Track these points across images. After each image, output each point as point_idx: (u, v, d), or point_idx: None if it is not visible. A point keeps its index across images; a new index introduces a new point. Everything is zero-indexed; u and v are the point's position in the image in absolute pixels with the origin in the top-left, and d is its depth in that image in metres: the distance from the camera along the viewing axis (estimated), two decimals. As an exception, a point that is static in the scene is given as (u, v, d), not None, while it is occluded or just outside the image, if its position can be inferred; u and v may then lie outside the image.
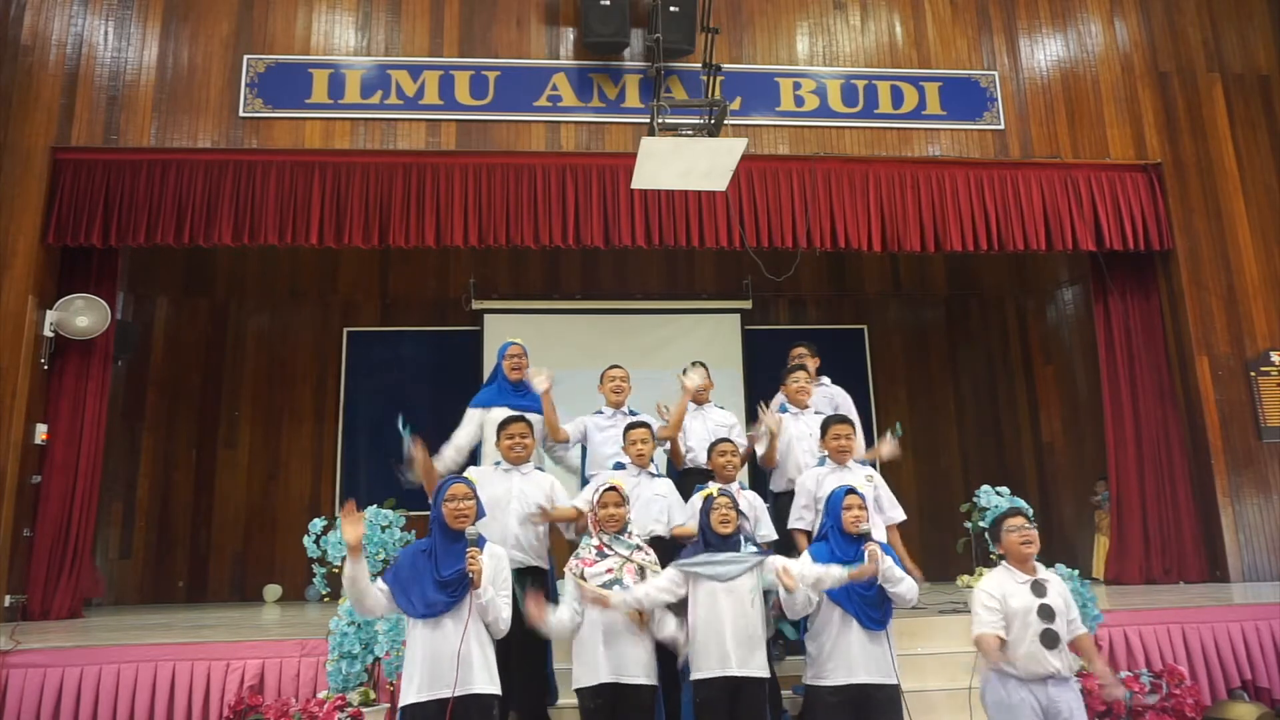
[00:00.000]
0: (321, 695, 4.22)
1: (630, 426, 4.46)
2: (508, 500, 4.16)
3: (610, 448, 4.61)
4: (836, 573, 3.59)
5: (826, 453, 4.47)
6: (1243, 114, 7.78)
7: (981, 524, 5.37)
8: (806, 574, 3.61)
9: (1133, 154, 7.59)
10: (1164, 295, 7.59)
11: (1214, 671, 4.94)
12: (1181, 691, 4.61)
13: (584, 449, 4.93)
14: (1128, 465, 7.33)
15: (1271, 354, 7.29)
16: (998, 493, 5.43)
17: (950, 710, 4.42)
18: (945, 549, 8.50)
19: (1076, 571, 4.77)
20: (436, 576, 3.24)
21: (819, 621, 3.72)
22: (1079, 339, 8.63)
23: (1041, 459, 9.12)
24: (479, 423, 4.79)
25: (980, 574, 5.42)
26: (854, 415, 4.94)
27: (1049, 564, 4.66)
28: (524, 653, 4.04)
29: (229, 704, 4.31)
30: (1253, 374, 7.23)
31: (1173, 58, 7.84)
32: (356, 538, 3.17)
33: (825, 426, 4.47)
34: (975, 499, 5.51)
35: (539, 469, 4.41)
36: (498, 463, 4.33)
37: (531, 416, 4.53)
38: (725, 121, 5.55)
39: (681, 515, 4.33)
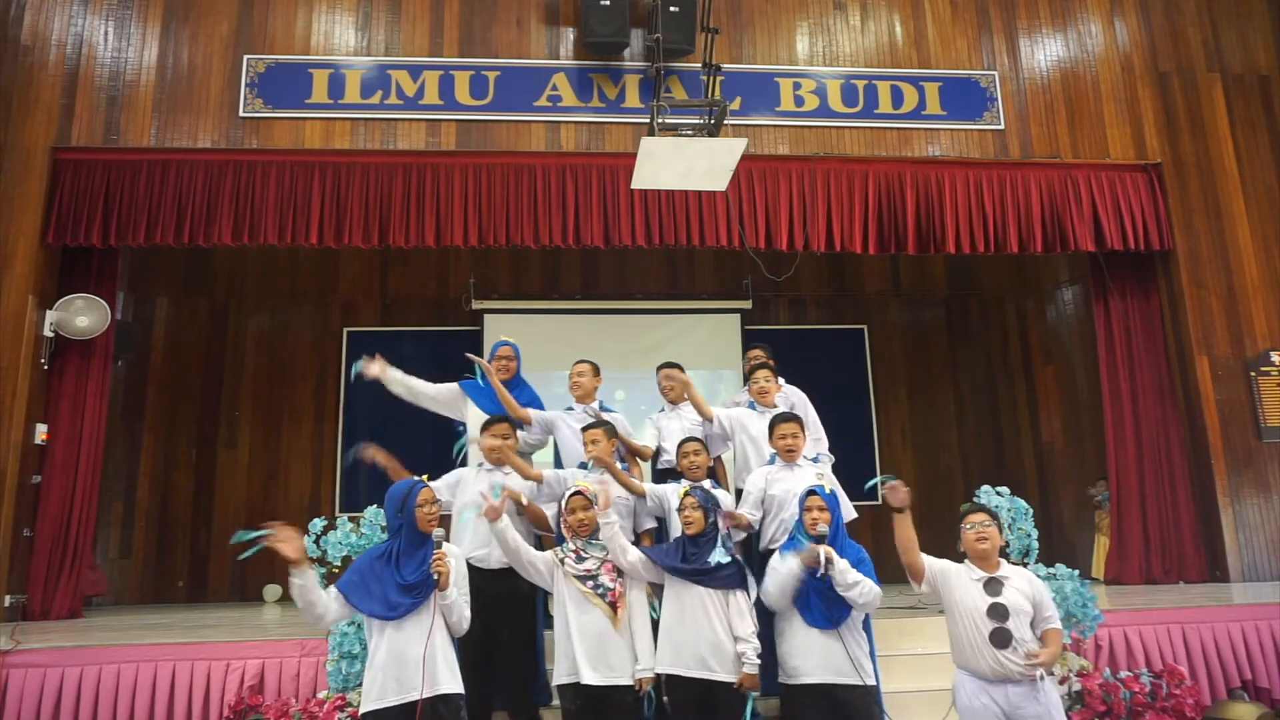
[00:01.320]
0: (321, 695, 4.22)
1: (586, 427, 4.43)
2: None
3: (575, 444, 4.64)
4: (791, 564, 3.60)
5: (775, 451, 4.42)
6: (1243, 114, 7.77)
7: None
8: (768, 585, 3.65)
9: (1133, 154, 7.59)
10: (1164, 295, 7.59)
11: (1214, 671, 4.94)
12: (1181, 691, 4.61)
13: (555, 447, 4.97)
14: (1128, 465, 7.33)
15: (1271, 354, 7.29)
16: (998, 493, 5.42)
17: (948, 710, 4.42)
18: (945, 549, 8.49)
19: (1076, 571, 4.77)
20: (399, 580, 3.24)
21: (781, 619, 3.75)
22: (1079, 339, 8.62)
23: (1041, 459, 9.11)
24: (451, 399, 4.99)
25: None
26: (810, 414, 4.93)
27: (1049, 564, 4.69)
28: (510, 653, 4.05)
29: (229, 704, 4.31)
30: (1253, 374, 7.23)
31: (1173, 58, 7.84)
32: (299, 551, 3.16)
33: (773, 425, 4.40)
34: (975, 499, 5.50)
35: None
36: (480, 464, 4.33)
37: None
38: (725, 121, 5.54)
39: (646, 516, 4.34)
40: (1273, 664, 4.99)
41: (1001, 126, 7.50)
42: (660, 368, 5.12)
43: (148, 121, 6.79)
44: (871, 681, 3.67)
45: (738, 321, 9.47)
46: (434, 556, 3.25)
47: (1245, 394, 7.20)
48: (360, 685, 4.15)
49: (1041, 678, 3.32)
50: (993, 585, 3.41)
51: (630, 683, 3.62)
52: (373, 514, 4.62)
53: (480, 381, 4.95)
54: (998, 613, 3.35)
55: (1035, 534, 5.11)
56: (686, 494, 3.84)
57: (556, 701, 3.84)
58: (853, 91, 7.42)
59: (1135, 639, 4.88)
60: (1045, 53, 7.74)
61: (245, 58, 6.96)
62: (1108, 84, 7.72)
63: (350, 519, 4.59)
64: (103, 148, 6.70)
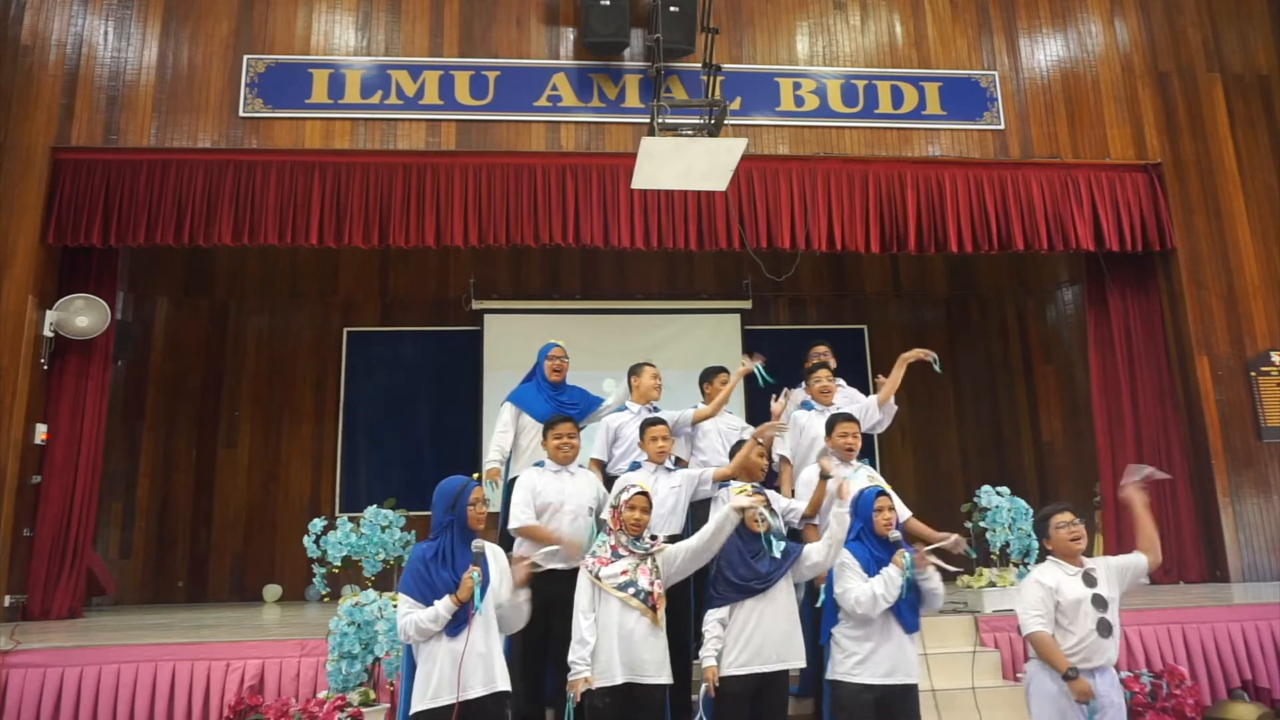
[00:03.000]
0: (321, 695, 4.22)
1: (651, 422, 4.48)
2: (561, 502, 4.19)
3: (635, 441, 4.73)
4: (892, 574, 3.67)
5: (832, 449, 4.48)
6: (1243, 114, 7.77)
7: (981, 524, 5.38)
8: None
9: (1133, 154, 7.59)
10: (1164, 295, 7.58)
11: (1214, 671, 4.95)
12: (1181, 691, 4.61)
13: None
14: (1127, 465, 7.31)
15: (1271, 354, 7.29)
16: (998, 493, 5.43)
17: (952, 710, 4.42)
18: (945, 549, 8.50)
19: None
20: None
21: (868, 625, 3.71)
22: (1079, 339, 8.62)
23: (1041, 459, 9.11)
24: (515, 422, 4.91)
25: (981, 575, 5.44)
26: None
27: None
28: (521, 652, 4.06)
29: (229, 704, 4.31)
30: (1253, 374, 7.23)
31: (1173, 58, 7.84)
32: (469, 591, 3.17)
33: (831, 424, 4.51)
34: (975, 499, 5.52)
35: (580, 466, 4.45)
36: (540, 464, 4.34)
37: None
38: (725, 121, 5.55)
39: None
40: (1273, 664, 4.99)
41: (1001, 126, 7.49)
42: (716, 371, 5.22)
43: (148, 121, 6.79)
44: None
45: (738, 321, 9.47)
46: (467, 572, 3.18)
47: (1245, 394, 7.20)
48: (360, 685, 4.17)
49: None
50: (1089, 578, 3.57)
51: (662, 682, 3.61)
52: (372, 514, 4.62)
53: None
54: (1099, 603, 3.51)
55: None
56: (756, 492, 3.86)
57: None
58: (853, 91, 7.42)
59: (1135, 639, 4.89)
60: (1045, 53, 7.74)
61: (245, 58, 6.96)
62: (1108, 84, 7.72)
63: (350, 519, 4.59)
64: (103, 148, 6.70)
